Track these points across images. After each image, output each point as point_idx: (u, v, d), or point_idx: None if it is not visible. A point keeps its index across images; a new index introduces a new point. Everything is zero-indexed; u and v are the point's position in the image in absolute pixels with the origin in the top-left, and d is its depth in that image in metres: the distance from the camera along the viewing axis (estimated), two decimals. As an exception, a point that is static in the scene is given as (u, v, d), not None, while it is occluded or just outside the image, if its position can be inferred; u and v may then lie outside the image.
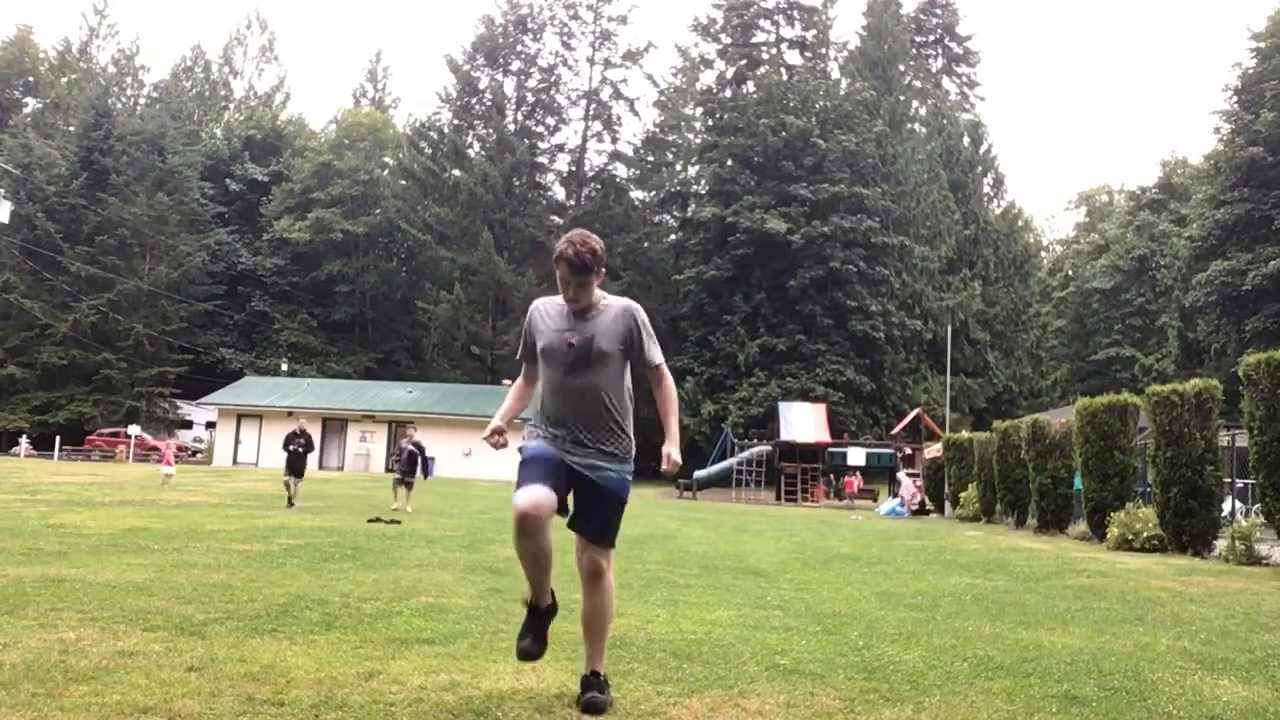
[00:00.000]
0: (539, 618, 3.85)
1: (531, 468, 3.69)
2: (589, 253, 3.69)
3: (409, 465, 16.40)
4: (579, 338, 3.75)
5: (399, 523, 12.90)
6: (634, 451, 3.90)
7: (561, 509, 3.72)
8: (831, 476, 38.18)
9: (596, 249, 3.74)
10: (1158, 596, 7.82)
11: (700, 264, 51.88)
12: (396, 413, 39.82)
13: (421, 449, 17.01)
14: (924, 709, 3.88)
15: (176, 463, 23.39)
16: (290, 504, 15.46)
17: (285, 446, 16.30)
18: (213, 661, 4.15)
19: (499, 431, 3.84)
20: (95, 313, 50.06)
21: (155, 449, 44.46)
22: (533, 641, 3.83)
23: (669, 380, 3.95)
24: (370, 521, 12.91)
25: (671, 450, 3.82)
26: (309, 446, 16.54)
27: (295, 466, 16.10)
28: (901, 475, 31.91)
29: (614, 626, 4.25)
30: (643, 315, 3.85)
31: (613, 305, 3.83)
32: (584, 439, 3.76)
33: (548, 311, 3.87)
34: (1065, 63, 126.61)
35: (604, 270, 3.83)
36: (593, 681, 3.74)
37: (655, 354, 3.86)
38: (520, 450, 3.85)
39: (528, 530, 3.60)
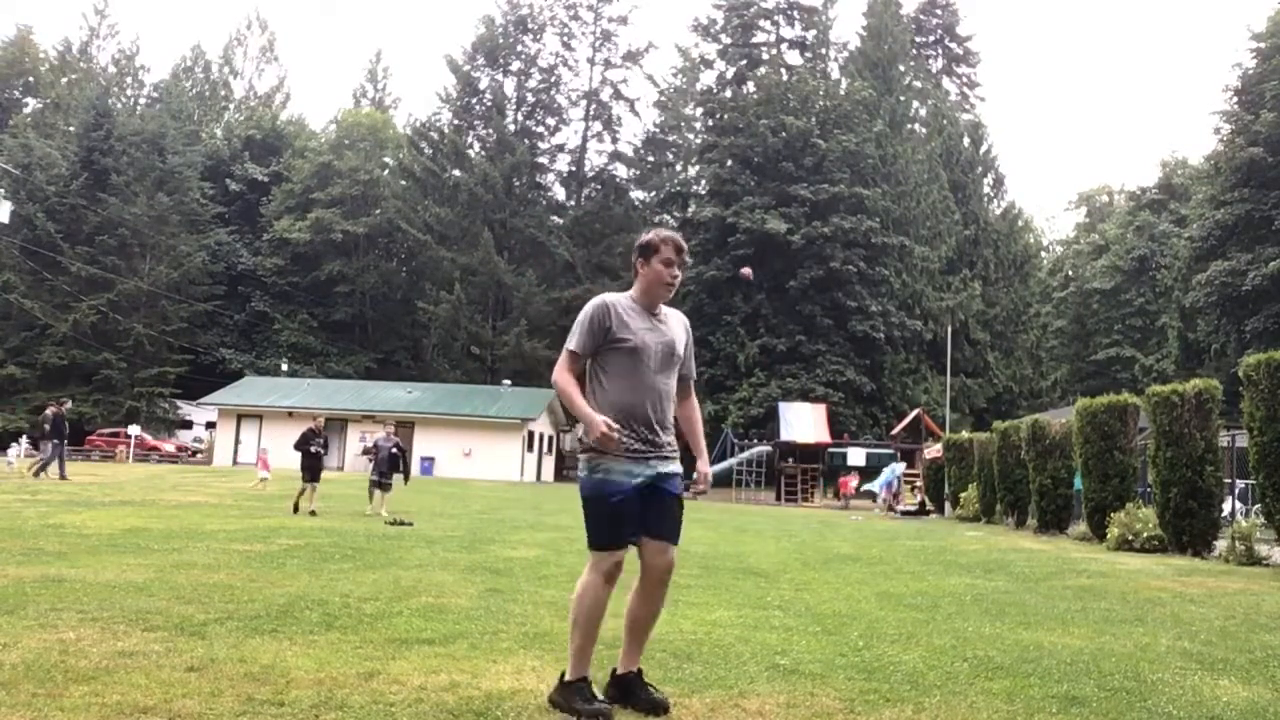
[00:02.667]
0: (588, 693, 3.64)
1: (621, 525, 3.67)
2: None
3: (389, 467, 14.87)
4: (666, 338, 3.86)
5: (412, 524, 12.82)
6: None
7: None
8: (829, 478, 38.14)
9: None
10: (1158, 597, 7.81)
11: (700, 264, 51.83)
12: (396, 413, 39.82)
13: (403, 450, 15.51)
14: (924, 709, 3.88)
15: (176, 463, 23.40)
16: (306, 511, 14.19)
17: (304, 446, 14.78)
18: (213, 661, 4.15)
19: (611, 427, 3.60)
20: (95, 313, 50.02)
21: (155, 449, 44.57)
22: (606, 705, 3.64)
23: (694, 396, 4.13)
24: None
25: (705, 468, 3.99)
26: (327, 448, 15.25)
27: (315, 469, 14.72)
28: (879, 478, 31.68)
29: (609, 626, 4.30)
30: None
31: (673, 314, 4.00)
32: (657, 438, 3.80)
33: (627, 310, 3.84)
34: (1065, 63, 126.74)
35: None
36: (643, 680, 3.79)
37: (693, 369, 4.10)
38: (599, 469, 3.68)
39: (614, 579, 3.69)
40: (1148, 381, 37.87)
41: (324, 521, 12.97)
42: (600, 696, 3.69)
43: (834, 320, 49.39)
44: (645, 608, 3.82)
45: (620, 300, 3.88)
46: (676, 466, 3.87)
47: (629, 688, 3.75)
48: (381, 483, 14.73)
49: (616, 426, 3.61)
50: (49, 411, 22.77)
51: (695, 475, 4.00)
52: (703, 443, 4.05)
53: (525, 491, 28.57)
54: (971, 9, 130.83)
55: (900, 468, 31.03)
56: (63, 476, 20.41)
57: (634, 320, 3.81)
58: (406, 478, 15.31)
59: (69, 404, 26.34)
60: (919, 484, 33.01)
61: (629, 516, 3.67)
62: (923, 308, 52.69)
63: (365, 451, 15.52)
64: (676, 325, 3.95)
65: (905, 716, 3.78)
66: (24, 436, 36.17)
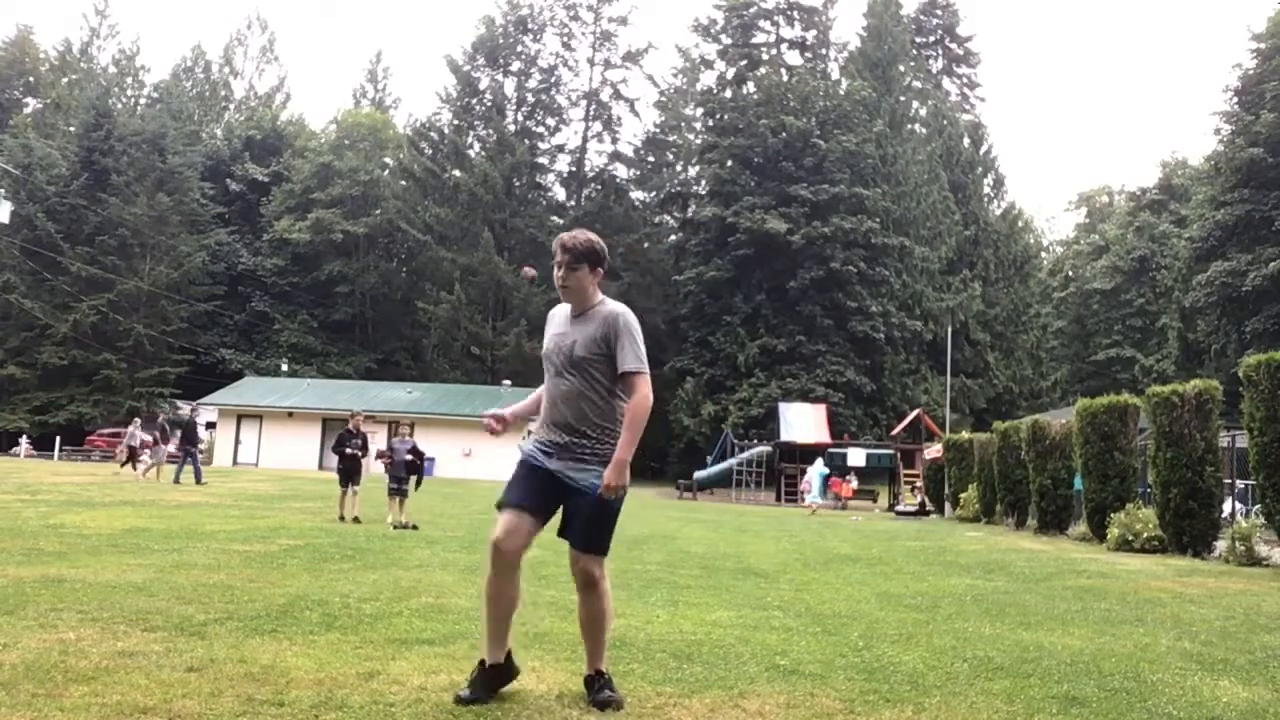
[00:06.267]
0: (487, 677, 3.71)
1: (516, 486, 3.80)
2: (583, 241, 3.87)
3: (407, 472, 13.93)
4: (566, 341, 3.86)
5: (416, 527, 12.75)
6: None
7: (548, 521, 3.82)
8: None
9: (592, 241, 3.89)
10: (1158, 597, 7.81)
11: (700, 264, 51.89)
12: (396, 413, 39.78)
13: (421, 454, 14.60)
14: (924, 709, 3.88)
15: (177, 463, 23.58)
16: (348, 519, 13.26)
17: (340, 448, 13.96)
18: (213, 661, 4.14)
19: (497, 418, 4.02)
20: (95, 313, 50.03)
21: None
22: (471, 691, 3.65)
23: (640, 392, 3.74)
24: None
25: (611, 476, 3.65)
26: (366, 448, 14.30)
27: (352, 472, 13.74)
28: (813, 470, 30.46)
29: (614, 627, 4.25)
30: (626, 321, 3.78)
31: (601, 311, 3.86)
32: (567, 442, 3.77)
33: (555, 317, 4.04)
34: (1065, 63, 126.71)
35: (599, 269, 3.90)
36: (601, 681, 3.76)
37: (627, 362, 3.74)
38: (520, 447, 3.95)
39: (499, 563, 3.70)
40: (1148, 382, 37.85)
41: (324, 521, 12.95)
42: (472, 687, 3.68)
43: (834, 320, 49.39)
44: (580, 609, 3.88)
45: (558, 309, 4.07)
46: (583, 469, 3.71)
47: (588, 688, 3.77)
48: (401, 489, 13.83)
49: (494, 417, 4.02)
50: (158, 419, 23.82)
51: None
52: (625, 439, 3.69)
53: (525, 492, 28.46)
54: (971, 9, 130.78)
55: (824, 470, 30.17)
56: (183, 480, 21.41)
57: (553, 327, 4.00)
58: (419, 483, 14.64)
59: (200, 414, 27.10)
60: (919, 484, 33.00)
61: (520, 484, 3.79)
62: (923, 308, 52.69)
63: (380, 456, 14.91)
64: (592, 323, 3.81)
65: (905, 717, 3.78)
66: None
